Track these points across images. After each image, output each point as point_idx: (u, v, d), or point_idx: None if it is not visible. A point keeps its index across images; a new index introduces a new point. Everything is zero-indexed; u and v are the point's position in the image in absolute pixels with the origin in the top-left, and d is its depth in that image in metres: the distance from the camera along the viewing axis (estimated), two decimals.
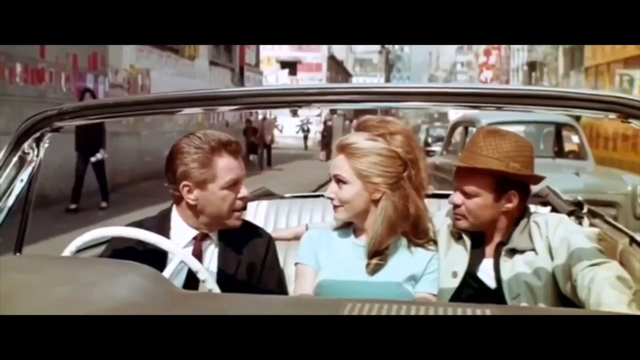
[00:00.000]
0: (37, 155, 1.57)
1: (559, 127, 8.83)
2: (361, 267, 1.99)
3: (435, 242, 2.08)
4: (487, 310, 1.11)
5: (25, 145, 1.53)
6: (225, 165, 1.94)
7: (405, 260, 2.00)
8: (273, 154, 22.11)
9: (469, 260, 2.03)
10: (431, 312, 1.11)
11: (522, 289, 1.93)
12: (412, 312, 1.11)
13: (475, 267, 2.03)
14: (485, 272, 2.02)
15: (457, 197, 2.02)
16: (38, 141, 1.55)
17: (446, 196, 2.72)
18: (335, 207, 2.00)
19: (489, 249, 2.05)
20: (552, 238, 1.95)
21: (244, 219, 2.11)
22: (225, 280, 1.95)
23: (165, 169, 1.99)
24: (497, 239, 2.04)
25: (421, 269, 2.00)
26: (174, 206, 2.04)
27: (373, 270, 1.98)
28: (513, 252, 1.99)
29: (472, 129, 7.89)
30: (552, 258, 1.93)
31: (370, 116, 2.06)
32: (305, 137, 33.76)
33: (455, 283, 2.00)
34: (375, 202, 1.97)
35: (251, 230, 2.11)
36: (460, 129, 9.18)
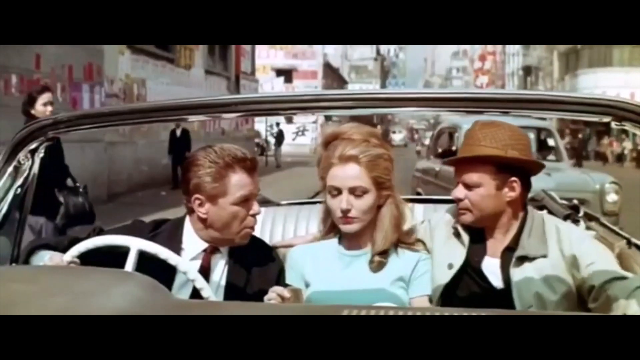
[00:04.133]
0: (32, 165, 1.56)
1: (538, 131, 9.32)
2: (349, 277, 1.98)
3: (422, 243, 2.08)
4: (483, 312, 1.12)
5: (21, 155, 1.53)
6: (238, 182, 1.93)
7: (392, 264, 2.00)
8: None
9: (468, 254, 2.02)
10: (427, 314, 1.11)
11: (534, 301, 1.90)
12: (409, 314, 1.11)
13: (478, 262, 2.02)
14: (491, 271, 2.00)
15: (460, 191, 2.02)
16: (33, 151, 1.55)
17: (441, 201, 2.72)
18: (349, 219, 1.96)
19: (493, 248, 2.03)
20: (580, 255, 1.92)
21: (256, 236, 2.10)
22: (232, 297, 1.94)
23: (180, 179, 2.00)
24: (500, 236, 2.03)
25: (409, 271, 2.00)
26: (187, 216, 2.03)
27: (377, 269, 1.98)
28: (524, 259, 1.96)
29: (457, 135, 8.48)
30: (574, 273, 1.92)
31: (334, 128, 2.06)
32: (279, 141, 26.58)
33: (449, 274, 1.99)
34: (379, 207, 1.99)
35: (262, 251, 2.09)
36: (445, 135, 9.82)
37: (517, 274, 1.94)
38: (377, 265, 1.98)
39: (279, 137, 26.51)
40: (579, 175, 8.53)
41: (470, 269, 2.01)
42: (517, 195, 2.00)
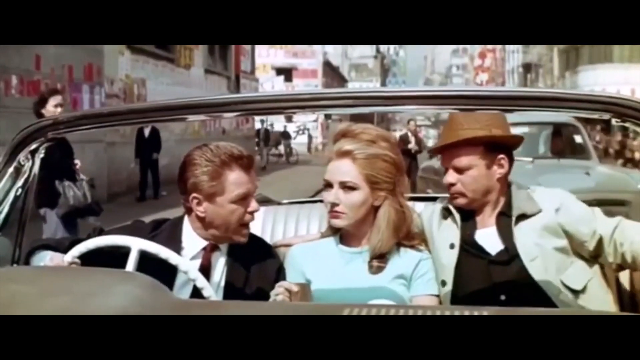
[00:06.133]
0: (33, 166, 1.57)
1: (559, 127, 8.78)
2: (350, 274, 1.99)
3: (425, 242, 2.09)
4: (484, 311, 1.12)
5: (21, 156, 1.54)
6: (235, 180, 1.93)
7: (394, 262, 2.01)
8: None
9: (462, 231, 2.07)
10: (428, 313, 1.11)
11: (538, 252, 1.98)
12: (410, 313, 1.11)
13: (470, 235, 2.07)
14: (485, 241, 2.06)
15: (451, 176, 2.07)
16: (33, 152, 1.55)
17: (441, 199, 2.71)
18: (336, 213, 1.97)
19: (483, 221, 2.09)
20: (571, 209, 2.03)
21: (255, 234, 2.10)
22: (231, 295, 1.95)
23: (177, 179, 2.00)
24: (490, 210, 2.09)
25: (410, 269, 2.00)
26: (186, 215, 2.04)
27: (375, 273, 1.98)
28: (523, 217, 2.04)
29: None
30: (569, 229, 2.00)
31: (348, 123, 2.08)
32: (265, 141, 24.91)
33: (454, 254, 2.04)
34: (375, 208, 1.98)
35: (262, 249, 2.09)
36: None
37: (519, 231, 2.02)
38: (376, 269, 1.99)
39: (266, 136, 25.76)
40: (619, 175, 7.99)
41: (466, 245, 2.07)
42: (505, 172, 2.09)
